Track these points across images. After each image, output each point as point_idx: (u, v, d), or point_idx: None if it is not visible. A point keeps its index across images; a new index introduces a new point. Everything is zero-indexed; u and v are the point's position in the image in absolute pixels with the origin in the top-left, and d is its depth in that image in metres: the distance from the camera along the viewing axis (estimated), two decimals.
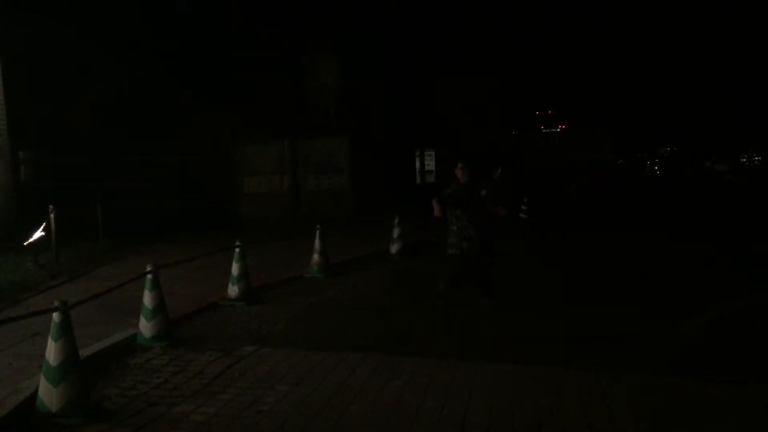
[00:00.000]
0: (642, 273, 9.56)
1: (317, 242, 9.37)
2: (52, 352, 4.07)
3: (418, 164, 28.81)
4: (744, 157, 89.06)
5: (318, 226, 9.44)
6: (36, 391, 4.13)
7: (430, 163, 29.27)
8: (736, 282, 8.65)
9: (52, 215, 9.91)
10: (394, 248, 11.10)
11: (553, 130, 60.91)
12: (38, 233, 9.64)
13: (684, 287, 8.41)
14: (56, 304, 4.14)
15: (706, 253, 11.31)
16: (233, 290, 7.50)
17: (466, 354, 5.44)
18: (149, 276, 5.72)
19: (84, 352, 4.86)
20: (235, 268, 7.49)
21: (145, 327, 5.69)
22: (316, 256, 9.37)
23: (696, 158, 77.42)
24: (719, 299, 7.44)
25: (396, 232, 11.14)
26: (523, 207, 16.37)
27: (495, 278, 7.45)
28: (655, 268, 9.94)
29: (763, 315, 6.84)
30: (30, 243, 9.51)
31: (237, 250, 7.51)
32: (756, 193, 30.43)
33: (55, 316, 4.11)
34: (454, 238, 7.22)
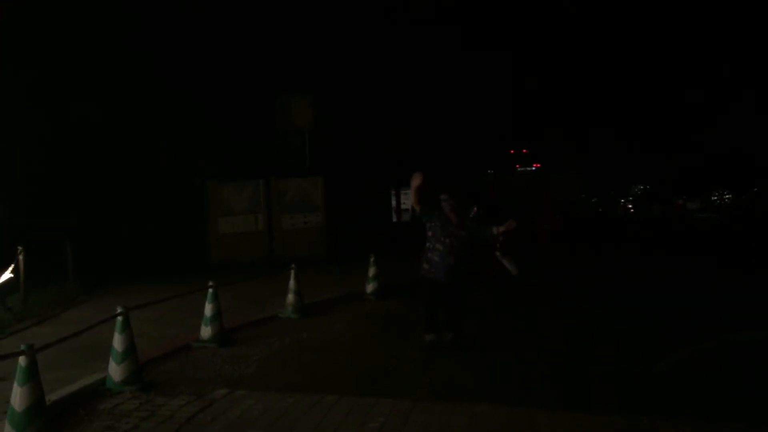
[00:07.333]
0: (617, 310, 9.63)
1: (292, 282, 9.31)
2: (17, 397, 3.97)
3: (394, 203, 28.96)
4: (715, 195, 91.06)
5: (293, 266, 9.39)
6: None
7: (406, 202, 29.45)
8: (708, 319, 8.75)
9: (20, 257, 9.74)
10: (369, 288, 11.06)
11: (528, 168, 61.75)
12: (6, 275, 9.46)
13: (658, 324, 8.48)
14: (22, 347, 4.05)
15: (679, 290, 11.45)
16: (206, 332, 7.39)
17: (442, 395, 5.41)
18: (119, 318, 5.62)
19: (51, 397, 4.74)
20: (207, 309, 7.40)
21: (115, 371, 5.57)
22: (290, 296, 9.29)
23: (668, 196, 78.83)
24: (691, 338, 7.52)
25: (371, 272, 11.11)
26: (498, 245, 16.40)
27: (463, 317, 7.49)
28: (630, 306, 10.02)
29: (734, 353, 6.92)
30: None
31: (210, 290, 7.43)
32: (726, 229, 31.21)
33: (21, 360, 4.01)
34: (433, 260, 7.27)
